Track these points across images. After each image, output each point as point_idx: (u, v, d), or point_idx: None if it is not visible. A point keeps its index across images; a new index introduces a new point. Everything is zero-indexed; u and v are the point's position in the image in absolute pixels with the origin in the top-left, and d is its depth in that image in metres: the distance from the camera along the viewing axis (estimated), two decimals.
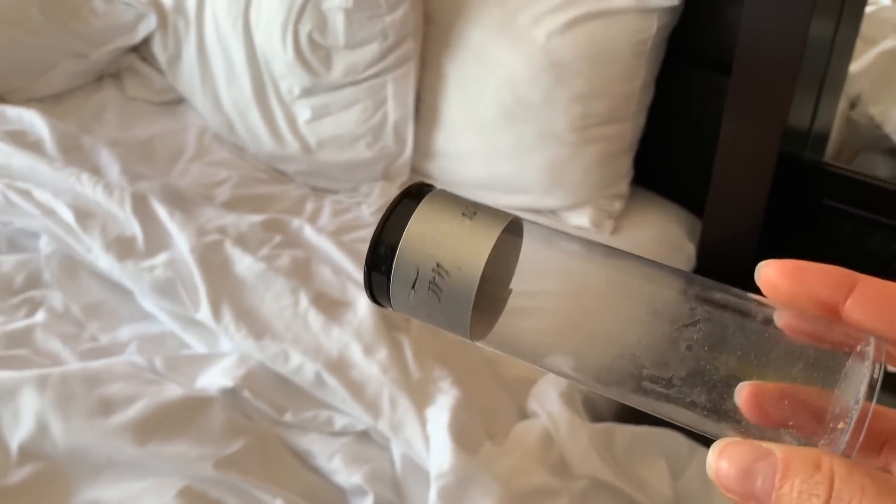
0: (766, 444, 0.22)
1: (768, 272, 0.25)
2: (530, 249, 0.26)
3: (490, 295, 0.25)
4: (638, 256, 0.27)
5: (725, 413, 0.24)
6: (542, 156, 1.07)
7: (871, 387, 0.22)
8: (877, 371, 0.23)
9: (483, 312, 0.25)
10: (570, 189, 1.09)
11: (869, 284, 0.24)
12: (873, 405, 0.23)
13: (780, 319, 0.24)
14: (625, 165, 1.10)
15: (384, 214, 0.26)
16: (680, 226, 1.14)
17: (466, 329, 0.26)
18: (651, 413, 0.26)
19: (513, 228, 0.26)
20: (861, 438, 0.22)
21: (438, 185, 0.27)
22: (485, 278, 0.25)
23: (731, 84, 0.95)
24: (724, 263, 1.10)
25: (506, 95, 1.06)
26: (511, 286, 0.26)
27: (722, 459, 0.22)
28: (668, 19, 1.01)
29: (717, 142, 1.00)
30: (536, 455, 0.77)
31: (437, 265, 0.25)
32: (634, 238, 1.10)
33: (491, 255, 0.25)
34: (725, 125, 0.98)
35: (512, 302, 0.26)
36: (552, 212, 1.13)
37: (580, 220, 1.10)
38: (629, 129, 1.07)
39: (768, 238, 1.05)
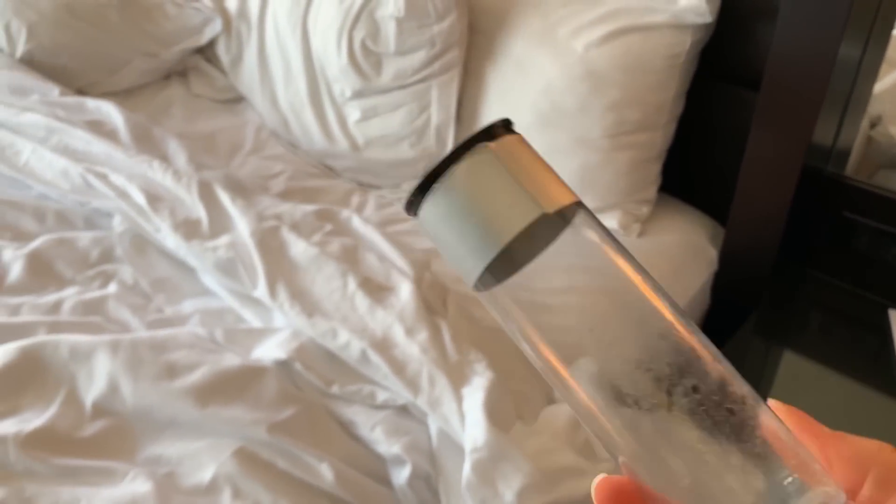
0: None
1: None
2: (568, 243, 0.25)
3: (508, 255, 0.24)
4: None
5: None
6: (575, 160, 1.08)
7: None
8: None
9: (495, 267, 0.24)
10: (601, 192, 1.10)
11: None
12: None
13: (766, 423, 0.23)
14: (654, 172, 1.11)
15: (464, 141, 0.25)
16: (703, 232, 1.14)
17: (472, 280, 0.25)
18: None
19: (567, 210, 0.25)
20: None
21: None
22: (510, 246, 0.24)
23: (759, 100, 0.96)
24: (745, 269, 1.10)
25: (543, 102, 1.08)
26: (532, 262, 0.24)
27: None
28: (701, 35, 1.02)
29: (742, 154, 1.00)
30: (564, 437, 0.78)
31: (474, 210, 0.24)
32: (660, 242, 1.11)
33: (526, 229, 0.24)
34: (752, 138, 0.99)
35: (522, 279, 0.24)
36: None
37: (609, 222, 1.11)
38: (659, 137, 1.07)
39: (789, 247, 1.05)
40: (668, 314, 0.24)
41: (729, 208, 1.06)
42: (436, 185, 0.25)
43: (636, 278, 0.25)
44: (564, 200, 0.25)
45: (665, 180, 1.14)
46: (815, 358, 1.02)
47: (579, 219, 0.25)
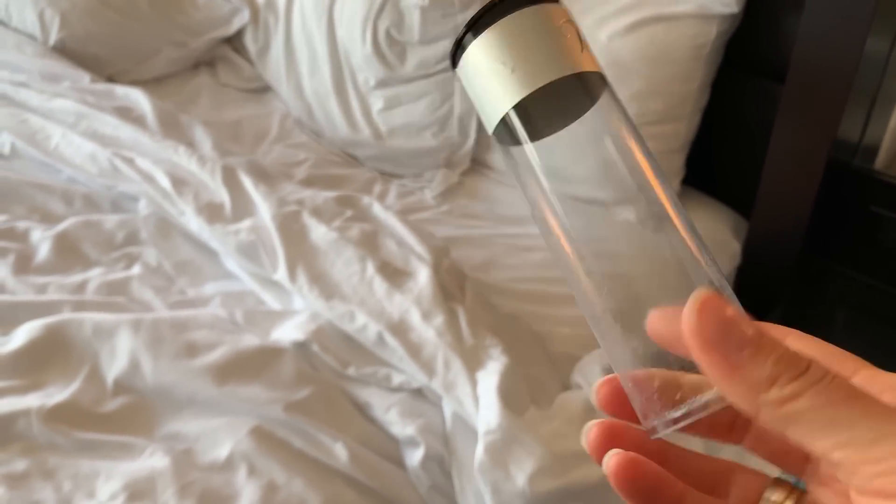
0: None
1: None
2: (596, 119, 0.27)
3: (534, 116, 0.26)
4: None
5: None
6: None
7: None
8: None
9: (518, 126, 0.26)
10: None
11: None
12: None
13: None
14: (677, 163, 1.09)
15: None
16: (727, 225, 1.13)
17: (499, 115, 0.26)
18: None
19: (597, 81, 0.27)
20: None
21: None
22: (537, 101, 0.26)
23: (784, 92, 0.94)
24: (769, 263, 1.09)
25: None
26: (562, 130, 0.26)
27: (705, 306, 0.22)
28: (727, 26, 1.00)
29: (766, 147, 0.99)
30: (578, 422, 0.77)
31: (512, 58, 0.26)
32: None
33: (554, 83, 0.25)
34: (777, 131, 0.97)
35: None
36: (602, 203, 1.13)
37: (629, 213, 1.10)
38: (683, 128, 1.06)
39: (815, 242, 1.03)
40: (664, 197, 0.27)
41: (753, 201, 1.04)
42: (498, 21, 0.26)
43: (644, 163, 0.27)
44: (599, 69, 0.27)
45: (689, 173, 1.13)
46: None
47: (605, 100, 0.27)
